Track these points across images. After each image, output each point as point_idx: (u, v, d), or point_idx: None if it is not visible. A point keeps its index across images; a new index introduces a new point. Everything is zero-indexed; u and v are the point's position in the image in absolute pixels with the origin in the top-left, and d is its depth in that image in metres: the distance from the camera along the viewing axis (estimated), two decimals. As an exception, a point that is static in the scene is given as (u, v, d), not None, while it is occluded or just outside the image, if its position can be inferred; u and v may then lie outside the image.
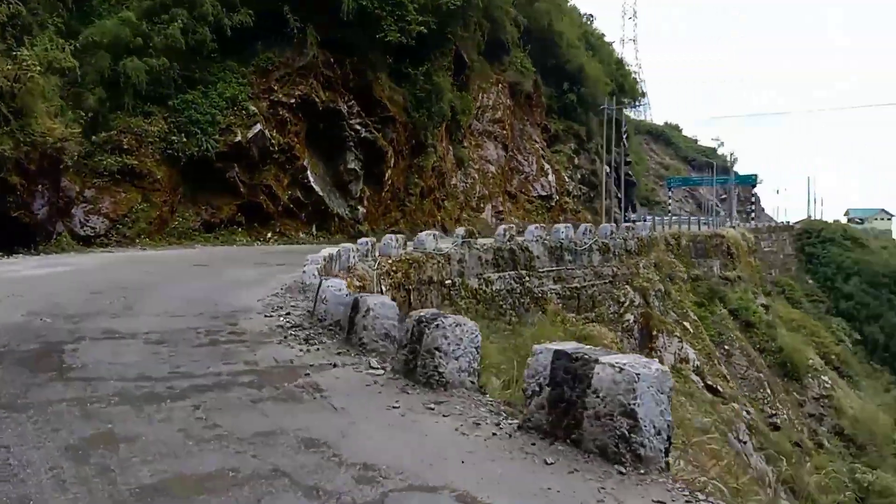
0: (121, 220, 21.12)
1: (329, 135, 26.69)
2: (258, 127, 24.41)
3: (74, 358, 6.24)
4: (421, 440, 4.07)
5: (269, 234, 24.77)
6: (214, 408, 4.69)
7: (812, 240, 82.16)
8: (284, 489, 3.38)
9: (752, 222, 79.10)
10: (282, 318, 8.49)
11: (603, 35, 63.58)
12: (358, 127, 27.38)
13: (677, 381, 23.33)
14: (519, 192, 40.29)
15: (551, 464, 3.68)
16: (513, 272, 21.03)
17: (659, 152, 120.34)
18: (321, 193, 26.01)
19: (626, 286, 25.10)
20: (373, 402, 4.86)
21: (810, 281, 75.84)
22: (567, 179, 45.10)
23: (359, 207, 27.39)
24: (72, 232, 19.66)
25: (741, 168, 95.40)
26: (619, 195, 58.27)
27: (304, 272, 11.14)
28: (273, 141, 24.72)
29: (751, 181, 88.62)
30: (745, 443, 23.38)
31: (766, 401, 31.78)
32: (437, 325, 5.12)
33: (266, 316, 8.81)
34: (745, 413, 25.56)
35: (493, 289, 20.28)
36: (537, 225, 22.98)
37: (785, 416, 32.21)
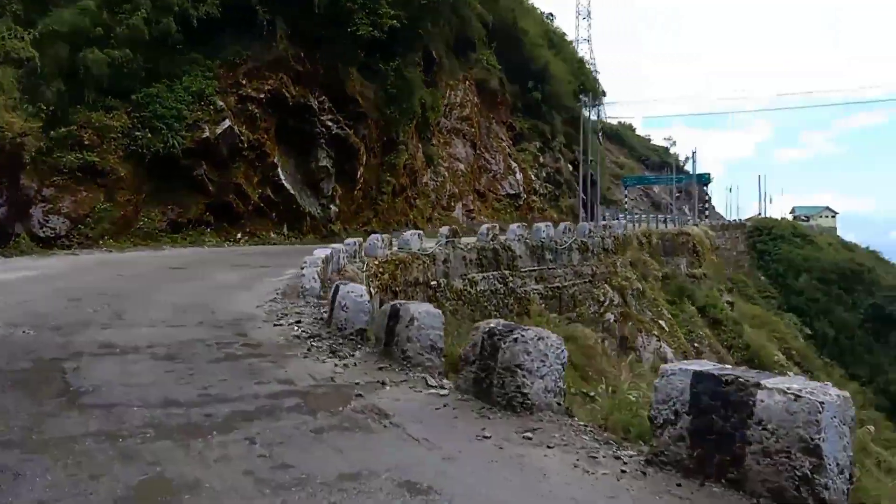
0: (82, 220, 19.91)
1: (300, 131, 25.76)
2: (227, 123, 23.37)
3: (79, 378, 5.45)
4: (540, 481, 3.46)
5: (239, 235, 23.74)
6: (274, 441, 3.99)
7: (763, 237, 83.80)
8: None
9: (706, 220, 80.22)
10: (296, 328, 7.78)
11: (564, 34, 63.71)
12: (329, 123, 26.51)
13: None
14: (487, 191, 39.83)
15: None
16: (496, 272, 20.51)
17: (614, 151, 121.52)
18: (292, 192, 25.07)
19: (605, 285, 24.83)
20: (455, 431, 4.22)
21: (762, 277, 77.33)
22: (534, 178, 44.80)
23: (331, 206, 26.52)
24: (31, 233, 18.43)
25: (691, 166, 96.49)
26: (583, 194, 58.39)
27: (303, 276, 10.38)
28: (242, 137, 23.71)
29: (704, 180, 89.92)
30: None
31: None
32: (516, 339, 4.51)
33: (275, 325, 8.08)
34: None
35: (478, 289, 19.72)
36: (519, 224, 22.48)
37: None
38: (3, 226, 16.70)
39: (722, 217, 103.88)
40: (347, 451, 3.84)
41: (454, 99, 38.82)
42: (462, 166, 37.75)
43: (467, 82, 40.49)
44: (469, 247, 19.85)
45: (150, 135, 21.83)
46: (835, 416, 3.01)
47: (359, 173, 27.71)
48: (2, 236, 16.83)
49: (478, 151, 39.94)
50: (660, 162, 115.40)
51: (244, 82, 24.53)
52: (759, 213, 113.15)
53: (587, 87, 60.42)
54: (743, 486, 3.19)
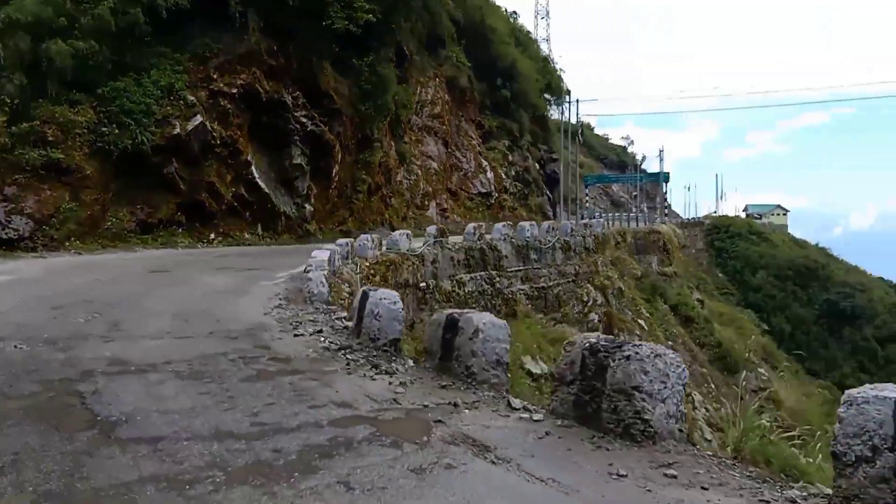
0: (47, 220, 18.71)
1: (273, 128, 24.81)
2: (198, 118, 22.33)
3: (104, 404, 4.73)
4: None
5: (213, 236, 22.72)
6: (374, 485, 3.37)
7: (721, 235, 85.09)
8: None
9: (666, 219, 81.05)
10: (321, 338, 7.11)
11: (529, 32, 63.55)
12: (304, 119, 25.63)
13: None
14: (459, 190, 39.29)
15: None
16: (483, 273, 20.00)
17: (573, 150, 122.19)
18: (267, 191, 24.14)
19: (588, 285, 24.52)
20: (579, 468, 3.64)
21: (721, 274, 78.52)
22: (504, 176, 44.42)
23: (306, 205, 25.64)
24: (-8, 235, 17.24)
25: (648, 165, 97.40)
26: (547, 193, 58.30)
27: (309, 280, 9.67)
28: (215, 134, 22.70)
29: (664, 179, 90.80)
30: (709, 441, 23.19)
31: (710, 396, 31.99)
32: (629, 357, 3.96)
33: (295, 335, 7.40)
34: (704, 410, 25.45)
35: (466, 291, 19.18)
36: (505, 223, 22.01)
37: (729, 410, 32.47)
38: (-37, 227, 15.52)
39: (679, 215, 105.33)
40: (468, 497, 3.23)
41: (425, 96, 38.20)
42: (435, 164, 37.14)
43: (437, 79, 39.90)
44: (456, 247, 19.31)
45: (117, 130, 20.67)
46: None
47: (334, 171, 26.89)
48: (-38, 238, 15.66)
49: (449, 150, 39.38)
50: (618, 161, 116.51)
51: (215, 76, 23.51)
52: (714, 212, 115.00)
53: (552, 85, 60.40)
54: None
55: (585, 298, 23.94)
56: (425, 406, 4.70)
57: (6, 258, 15.79)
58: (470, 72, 44.45)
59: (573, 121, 58.62)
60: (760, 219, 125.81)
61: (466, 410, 4.59)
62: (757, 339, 47.11)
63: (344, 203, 27.90)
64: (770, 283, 78.62)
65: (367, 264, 15.25)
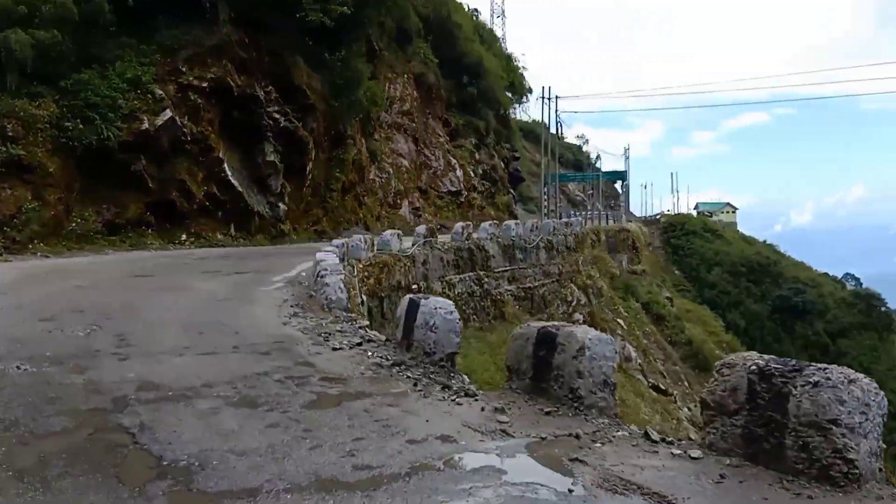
0: (9, 222, 17.44)
1: (245, 124, 23.74)
2: (168, 113, 21.18)
3: (160, 443, 3.96)
4: None
5: (184, 237, 21.61)
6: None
7: (677, 232, 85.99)
8: None
9: (623, 217, 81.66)
10: (367, 353, 6.40)
11: (492, 29, 63.12)
12: (277, 115, 24.62)
13: (625, 380, 22.61)
14: (429, 188, 38.58)
15: None
16: (472, 273, 19.41)
17: (530, 149, 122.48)
18: (240, 189, 23.08)
19: (572, 284, 24.14)
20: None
21: (677, 272, 79.38)
22: (472, 175, 43.88)
23: (279, 205, 24.63)
24: (-51, 237, 15.96)
25: (602, 164, 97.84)
26: (512, 192, 58.08)
27: (327, 285, 8.91)
28: (185, 129, 21.57)
29: (620, 177, 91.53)
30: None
31: (687, 394, 32.01)
32: (817, 383, 3.37)
33: (333, 349, 6.67)
34: (686, 409, 25.32)
35: (456, 292, 18.55)
36: (491, 222, 21.44)
37: (691, 407, 32.58)
38: (-81, 229, 14.26)
39: (633, 214, 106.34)
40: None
41: (394, 93, 37.38)
42: (406, 163, 36.38)
43: (406, 76, 39.13)
44: (446, 247, 18.67)
45: (81, 126, 19.43)
46: None
47: (308, 169, 25.95)
48: (-83, 241, 14.39)
49: (419, 148, 38.65)
50: (573, 160, 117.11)
51: (184, 69, 22.35)
52: (668, 210, 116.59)
53: (515, 83, 60.17)
54: None
55: (570, 298, 23.55)
56: (543, 438, 4.04)
57: (-33, 263, 14.58)
58: (437, 69, 43.79)
59: (547, 118, 58.06)
60: (711, 216, 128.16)
61: (597, 444, 3.94)
62: (720, 337, 47.66)
63: (318, 202, 26.97)
64: (725, 279, 79.74)
65: (361, 266, 14.53)
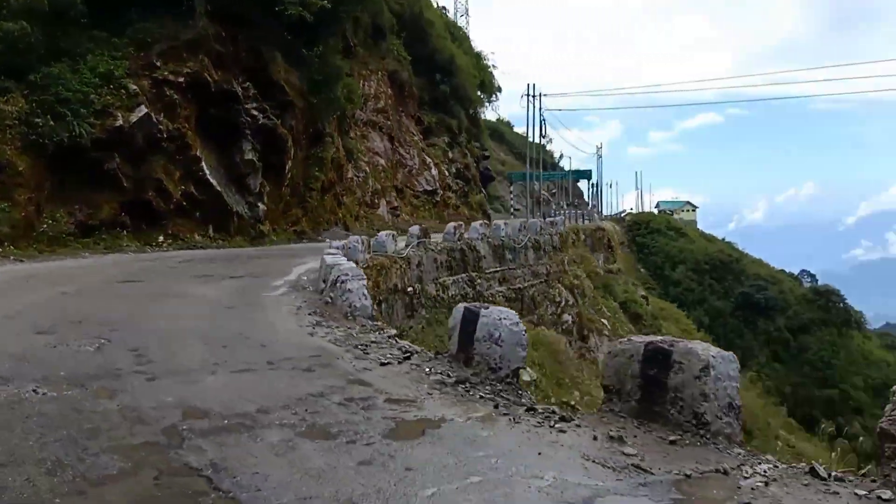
0: (-24, 224, 16.43)
1: (223, 120, 22.85)
2: (143, 109, 20.23)
3: (246, 489, 3.38)
4: None
5: (161, 238, 20.66)
6: None
7: (642, 231, 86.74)
8: None
9: (596, 216, 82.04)
10: (424, 368, 5.86)
11: (462, 28, 62.66)
12: (255, 112, 23.77)
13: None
14: (405, 187, 37.95)
15: None
16: (464, 275, 18.92)
17: (495, 148, 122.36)
18: (219, 189, 22.19)
19: (559, 285, 23.81)
20: None
21: (642, 269, 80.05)
22: (446, 174, 43.37)
23: (258, 204, 23.77)
24: (-88, 240, 14.89)
25: (564, 163, 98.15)
26: (483, 191, 57.76)
27: (349, 291, 8.32)
28: (161, 126, 20.63)
29: (587, 176, 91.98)
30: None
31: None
32: None
33: (381, 363, 6.12)
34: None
35: (449, 294, 18.05)
36: (482, 222, 20.98)
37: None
38: None
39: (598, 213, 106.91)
40: None
41: (368, 90, 36.67)
42: (382, 161, 35.71)
43: (380, 73, 38.45)
44: (439, 248, 18.15)
45: (52, 122, 18.39)
46: None
47: (287, 168, 25.13)
48: None
49: (394, 146, 38.00)
50: (537, 158, 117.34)
51: (159, 64, 21.39)
52: (631, 208, 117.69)
53: (485, 82, 59.85)
54: None
55: (558, 299, 23.22)
56: (687, 476, 3.53)
57: (-65, 268, 13.58)
58: (409, 66, 43.19)
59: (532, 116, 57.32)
60: (672, 215, 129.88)
61: (759, 483, 3.44)
62: (693, 335, 47.86)
63: (297, 202, 26.17)
64: (689, 277, 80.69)
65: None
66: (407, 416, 4.58)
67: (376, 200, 33.72)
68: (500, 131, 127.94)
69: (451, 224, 19.75)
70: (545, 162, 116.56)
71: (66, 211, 19.07)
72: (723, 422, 4.06)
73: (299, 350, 6.61)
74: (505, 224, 21.68)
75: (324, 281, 9.95)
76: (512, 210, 64.64)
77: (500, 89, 65.08)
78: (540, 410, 4.69)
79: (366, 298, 8.30)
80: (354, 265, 9.33)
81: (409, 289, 16.30)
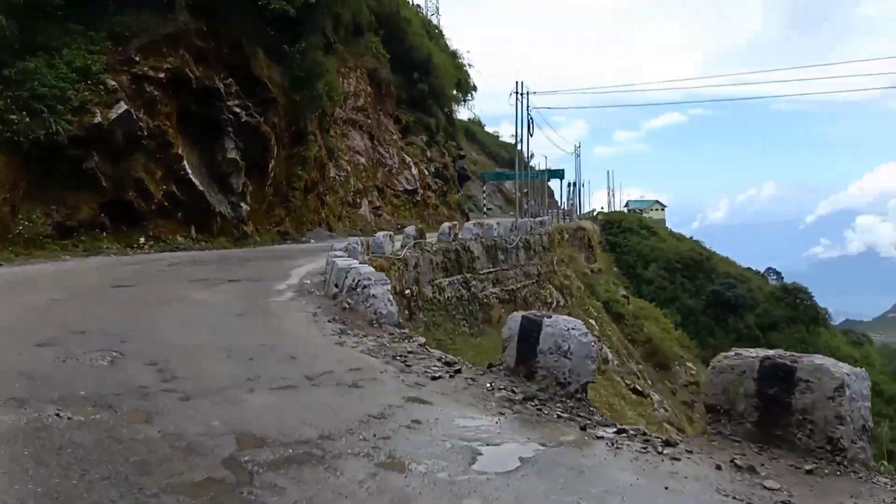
0: (-52, 225, 15.55)
1: (204, 118, 22.08)
2: (122, 106, 19.41)
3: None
4: None
5: (142, 239, 19.85)
6: None
7: (614, 230, 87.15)
8: None
9: (574, 215, 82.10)
10: (488, 385, 5.39)
11: (437, 26, 62.17)
12: (237, 109, 23.03)
13: (607, 383, 22.10)
14: (385, 186, 37.33)
15: None
16: (459, 276, 18.49)
17: (466, 148, 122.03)
18: (201, 188, 21.43)
19: (550, 285, 23.50)
20: None
21: (615, 269, 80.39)
22: (425, 173, 42.84)
23: (241, 204, 23.04)
24: None
25: (535, 162, 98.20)
26: (459, 190, 57.39)
27: (374, 297, 7.82)
28: (142, 124, 19.84)
29: (558, 176, 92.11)
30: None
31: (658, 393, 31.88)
32: None
33: (432, 377, 5.67)
34: (663, 410, 25.04)
35: (445, 296, 17.62)
36: (475, 222, 20.57)
37: (667, 407, 32.60)
38: None
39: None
40: None
41: (348, 88, 36.00)
42: (363, 160, 35.08)
43: (359, 70, 37.81)
44: (434, 249, 17.69)
45: (27, 119, 17.51)
46: None
47: (270, 167, 24.43)
48: None
49: (374, 145, 37.38)
50: (509, 158, 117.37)
51: (138, 58, 20.56)
52: (602, 207, 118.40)
53: (461, 81, 59.44)
54: None
55: (549, 300, 22.90)
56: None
57: None
58: (388, 64, 42.60)
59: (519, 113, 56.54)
60: (641, 214, 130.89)
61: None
62: (671, 333, 48.09)
63: (280, 202, 25.46)
64: (661, 276, 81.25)
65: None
66: (490, 441, 4.12)
67: (358, 200, 33.09)
68: (472, 131, 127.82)
69: (446, 224, 19.30)
70: (517, 162, 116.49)
71: (43, 212, 18.21)
72: (857, 447, 3.68)
73: (336, 363, 6.11)
74: (497, 224, 21.29)
75: (336, 285, 9.44)
76: (485, 210, 64.34)
77: (475, 88, 64.64)
78: (631, 432, 4.28)
79: (391, 304, 7.81)
80: (373, 268, 8.81)
81: (407, 291, 15.83)
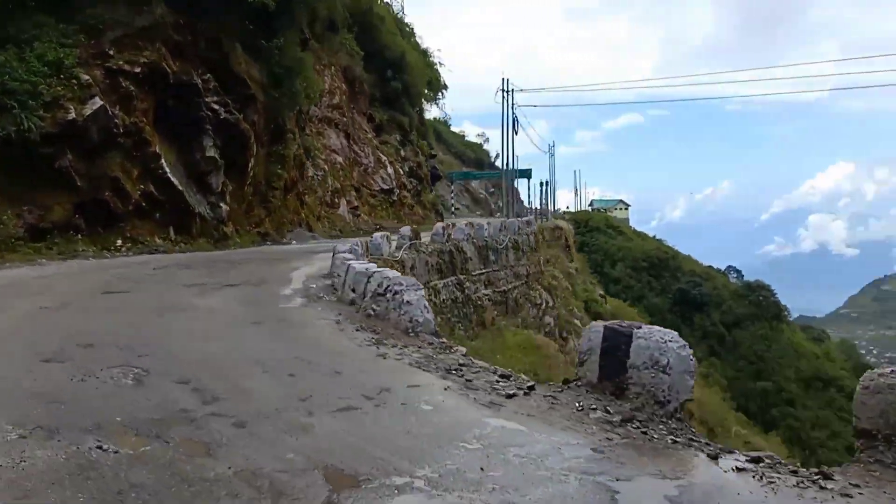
0: (-86, 227, 14.54)
1: (182, 114, 21.19)
2: (97, 101, 18.47)
3: None
4: None
5: (120, 242, 18.93)
6: None
7: (581, 229, 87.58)
8: None
9: (549, 215, 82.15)
10: (577, 405, 4.89)
11: (409, 25, 61.39)
12: (216, 106, 22.18)
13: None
14: (362, 186, 36.62)
15: None
16: (453, 278, 17.99)
17: (434, 147, 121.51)
18: (180, 188, 20.55)
19: (538, 286, 23.14)
20: None
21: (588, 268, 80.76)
22: (400, 172, 42.21)
23: (221, 205, 22.19)
24: None
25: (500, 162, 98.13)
26: (432, 189, 56.85)
27: (408, 303, 7.29)
28: (118, 120, 18.92)
29: (526, 175, 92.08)
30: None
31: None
32: None
33: (506, 395, 5.14)
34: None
35: (441, 299, 17.09)
36: (467, 222, 20.10)
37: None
38: None
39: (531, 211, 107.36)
40: None
41: (323, 85, 35.18)
42: (340, 159, 34.32)
43: (333, 68, 37.03)
44: (429, 249, 17.16)
45: (-3, 114, 16.58)
46: None
47: (250, 166, 23.62)
48: None
49: (350, 144, 36.64)
50: (475, 157, 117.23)
51: (112, 52, 19.62)
52: (568, 206, 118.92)
53: (432, 80, 58.88)
54: None
55: (538, 301, 22.55)
56: None
57: None
58: (361, 61, 41.87)
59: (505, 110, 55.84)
60: (606, 213, 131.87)
61: None
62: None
63: (259, 202, 24.65)
64: (628, 274, 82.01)
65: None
66: (617, 475, 3.62)
67: (336, 200, 32.35)
68: (438, 130, 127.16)
69: (439, 224, 18.83)
70: (482, 161, 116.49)
71: (14, 213, 17.20)
72: None
73: (389, 378, 5.57)
74: (488, 224, 20.85)
75: (353, 290, 8.86)
76: (452, 209, 63.86)
77: (446, 87, 64.11)
78: (768, 461, 3.82)
79: (428, 311, 7.27)
80: (412, 279, 8.25)
81: (405, 294, 15.25)
